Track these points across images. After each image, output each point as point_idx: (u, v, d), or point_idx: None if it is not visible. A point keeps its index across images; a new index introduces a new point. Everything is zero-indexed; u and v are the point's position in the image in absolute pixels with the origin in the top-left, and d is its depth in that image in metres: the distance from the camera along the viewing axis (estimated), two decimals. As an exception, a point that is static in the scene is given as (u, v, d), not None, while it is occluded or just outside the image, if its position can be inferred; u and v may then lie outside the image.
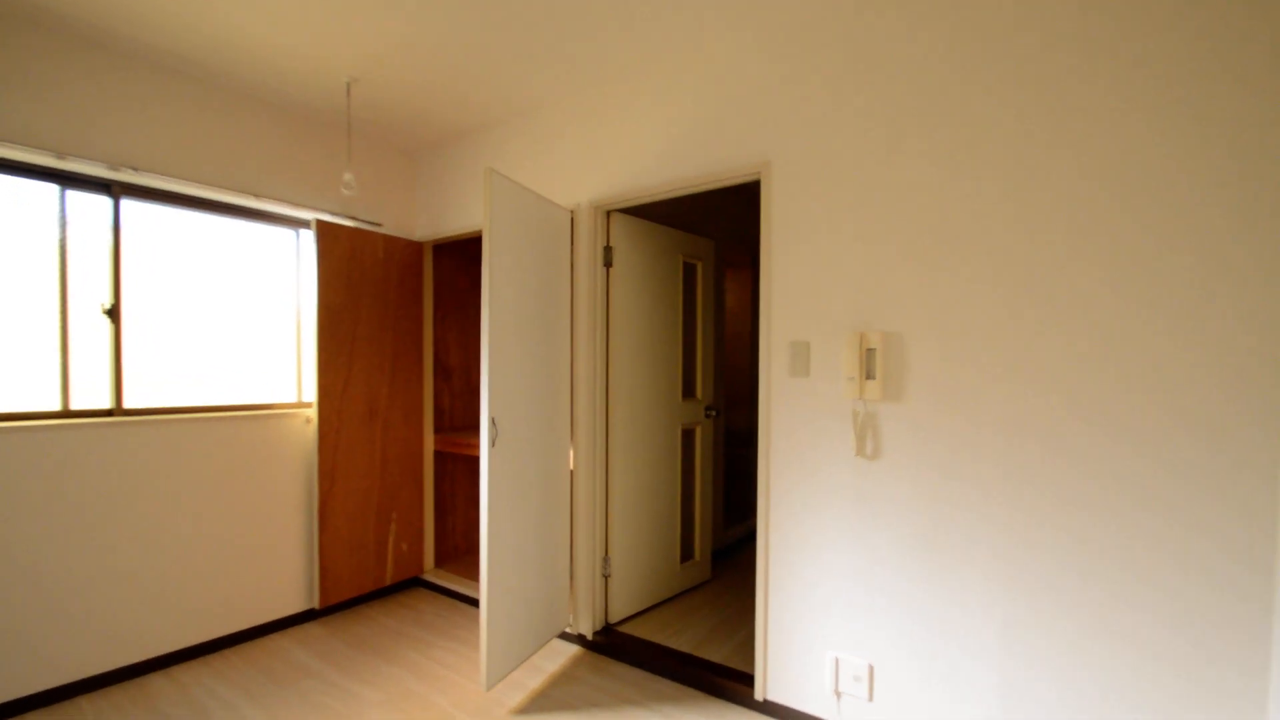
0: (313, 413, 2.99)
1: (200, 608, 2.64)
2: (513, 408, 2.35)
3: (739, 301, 5.93)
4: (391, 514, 3.32)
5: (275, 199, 2.90)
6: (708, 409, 3.33)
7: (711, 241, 3.39)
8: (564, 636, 2.81)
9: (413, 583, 3.48)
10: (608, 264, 2.76)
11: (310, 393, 3.12)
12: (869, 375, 1.99)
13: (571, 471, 2.82)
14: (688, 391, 3.27)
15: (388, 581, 3.31)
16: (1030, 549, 1.74)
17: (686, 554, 3.31)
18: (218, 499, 2.70)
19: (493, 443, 2.23)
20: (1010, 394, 1.77)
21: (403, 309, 3.34)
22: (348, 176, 2.63)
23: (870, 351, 1.99)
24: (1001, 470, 1.78)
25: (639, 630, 2.81)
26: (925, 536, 1.90)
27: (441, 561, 3.63)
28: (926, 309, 1.91)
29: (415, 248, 3.40)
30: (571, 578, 2.82)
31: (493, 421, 2.23)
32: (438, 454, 3.64)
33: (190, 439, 2.62)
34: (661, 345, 3.03)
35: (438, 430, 3.62)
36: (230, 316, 2.88)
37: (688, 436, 3.28)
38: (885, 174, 1.98)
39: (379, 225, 3.31)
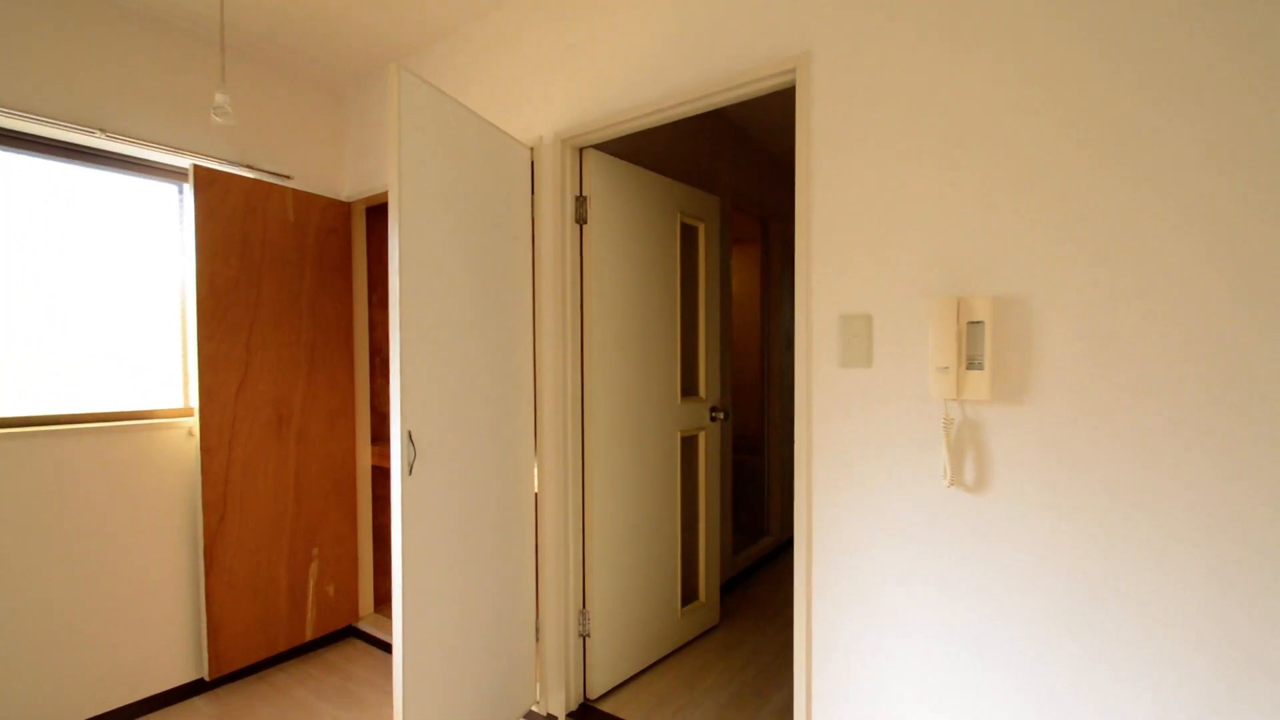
0: (196, 422, 2.27)
1: (36, 687, 1.92)
2: (442, 416, 1.65)
3: (746, 284, 5.25)
4: (311, 548, 2.61)
5: (137, 138, 2.17)
6: (714, 410, 2.64)
7: (717, 198, 2.69)
8: (529, 719, 2.11)
9: (344, 634, 2.77)
10: (581, 220, 2.05)
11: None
12: (971, 363, 1.29)
13: (536, 495, 2.12)
14: (689, 389, 2.58)
15: (309, 635, 2.60)
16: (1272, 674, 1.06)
17: (689, 595, 2.62)
18: (62, 541, 1.98)
19: (409, 467, 1.52)
20: (1223, 401, 1.08)
21: (325, 286, 2.62)
22: (220, 98, 1.91)
23: (973, 327, 1.29)
24: (1207, 521, 1.10)
25: (630, 709, 2.12)
26: (1062, 624, 1.22)
27: (382, 604, 2.92)
28: (1070, 257, 1.21)
29: (341, 209, 2.67)
30: (538, 638, 2.13)
31: (408, 438, 1.52)
32: (376, 470, 2.92)
33: (24, 461, 1.89)
34: (655, 329, 2.33)
35: (376, 440, 2.91)
36: (88, 299, 2.15)
37: (689, 446, 2.59)
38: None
39: (288, 178, 2.59)
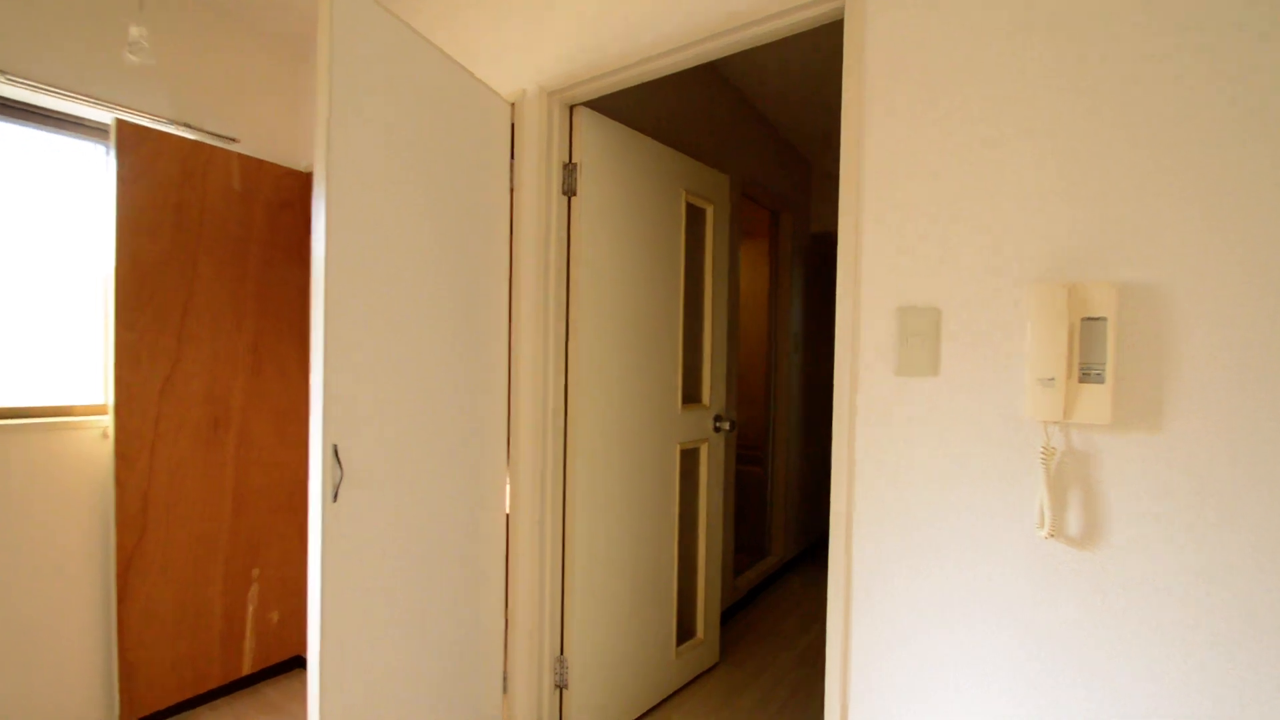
0: (110, 423, 1.92)
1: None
2: (383, 426, 1.31)
3: (752, 280, 4.92)
4: (252, 569, 2.26)
5: (47, 85, 1.82)
6: (718, 420, 2.30)
7: (727, 178, 2.35)
8: (492, 785, 1.77)
9: (290, 665, 2.42)
10: (569, 191, 1.72)
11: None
12: (1085, 374, 0.96)
13: (507, 518, 1.78)
14: (691, 395, 2.24)
15: (247, 669, 2.25)
16: None
17: (686, 631, 2.28)
18: (-83, 566, 1.63)
19: (332, 492, 1.18)
20: None
21: (274, 268, 2.27)
22: (135, 32, 1.57)
23: (1089, 325, 0.96)
24: None
25: (612, 774, 1.77)
26: (1221, 724, 0.89)
27: (337, 631, 2.57)
28: (1224, 237, 0.88)
29: (298, 180, 2.33)
30: (505, 690, 1.78)
31: (332, 454, 1.17)
32: (334, 478, 2.57)
33: None
34: (654, 325, 1.99)
35: (334, 445, 2.56)
36: (-30, 269, 1.80)
37: (689, 460, 2.25)
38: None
39: (234, 141, 2.24)
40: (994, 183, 1.05)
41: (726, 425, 2.29)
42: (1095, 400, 0.95)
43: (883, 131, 1.15)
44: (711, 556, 2.31)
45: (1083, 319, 0.96)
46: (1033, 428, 1.02)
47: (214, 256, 2.11)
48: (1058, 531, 1.00)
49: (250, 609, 2.26)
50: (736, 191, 2.77)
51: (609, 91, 1.62)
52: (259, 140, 2.32)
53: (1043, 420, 0.99)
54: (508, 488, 1.79)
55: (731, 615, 2.86)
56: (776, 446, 3.48)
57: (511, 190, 1.73)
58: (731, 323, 2.71)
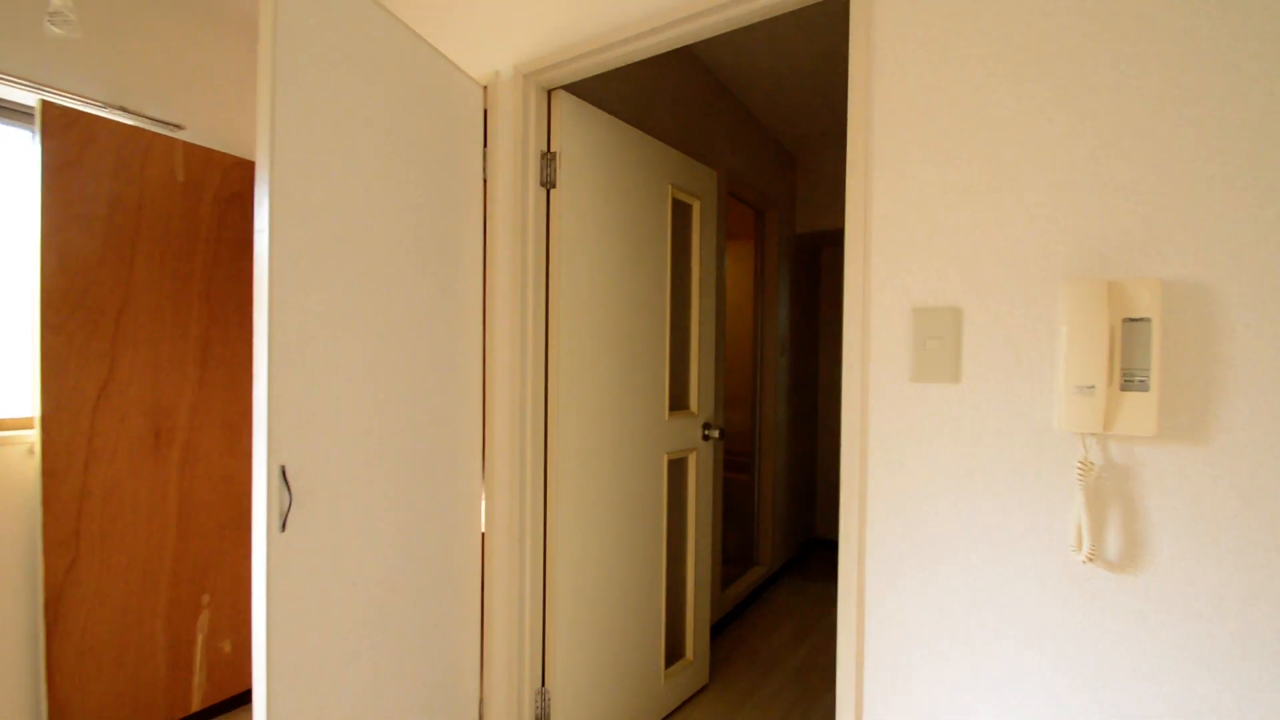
0: (37, 437, 1.72)
1: None
2: (340, 441, 1.16)
3: (737, 282, 4.83)
4: (201, 595, 2.07)
5: (-44, 59, 1.63)
6: (706, 428, 2.19)
7: (715, 173, 2.24)
8: (466, 830, 1.62)
9: (246, 698, 2.23)
10: (548, 183, 1.58)
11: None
12: (1127, 381, 0.87)
13: (483, 537, 1.64)
14: (678, 402, 2.12)
15: (196, 705, 2.06)
16: None
17: (674, 651, 2.15)
18: None
19: (280, 520, 1.03)
20: None
21: (223, 266, 2.09)
22: (58, 0, 1.39)
23: (1131, 327, 0.86)
24: None
25: (597, 813, 1.64)
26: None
27: (298, 658, 2.39)
28: (1294, 222, 0.80)
29: (249, 171, 2.15)
30: (482, 724, 1.64)
31: (280, 477, 1.03)
32: (294, 493, 2.39)
33: None
34: (640, 327, 1.87)
35: (294, 457, 2.38)
36: None
37: (677, 470, 2.13)
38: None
39: (177, 127, 2.05)
40: (1020, 167, 0.95)
41: (716, 433, 2.17)
42: (1138, 410, 0.85)
43: (893, 112, 1.05)
44: (701, 572, 2.19)
45: (1124, 320, 0.86)
46: (1067, 441, 0.92)
47: (155, 253, 1.92)
48: (1097, 554, 0.90)
49: (199, 639, 2.07)
50: (723, 188, 2.66)
51: (591, 74, 1.49)
52: (207, 128, 2.14)
53: (1080, 432, 0.89)
54: (483, 504, 1.65)
55: (720, 630, 2.74)
56: (763, 453, 3.38)
57: (485, 182, 1.59)
58: (719, 325, 2.60)
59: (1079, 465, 0.89)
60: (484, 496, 1.65)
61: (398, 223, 1.31)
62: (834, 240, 3.97)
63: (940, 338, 1.00)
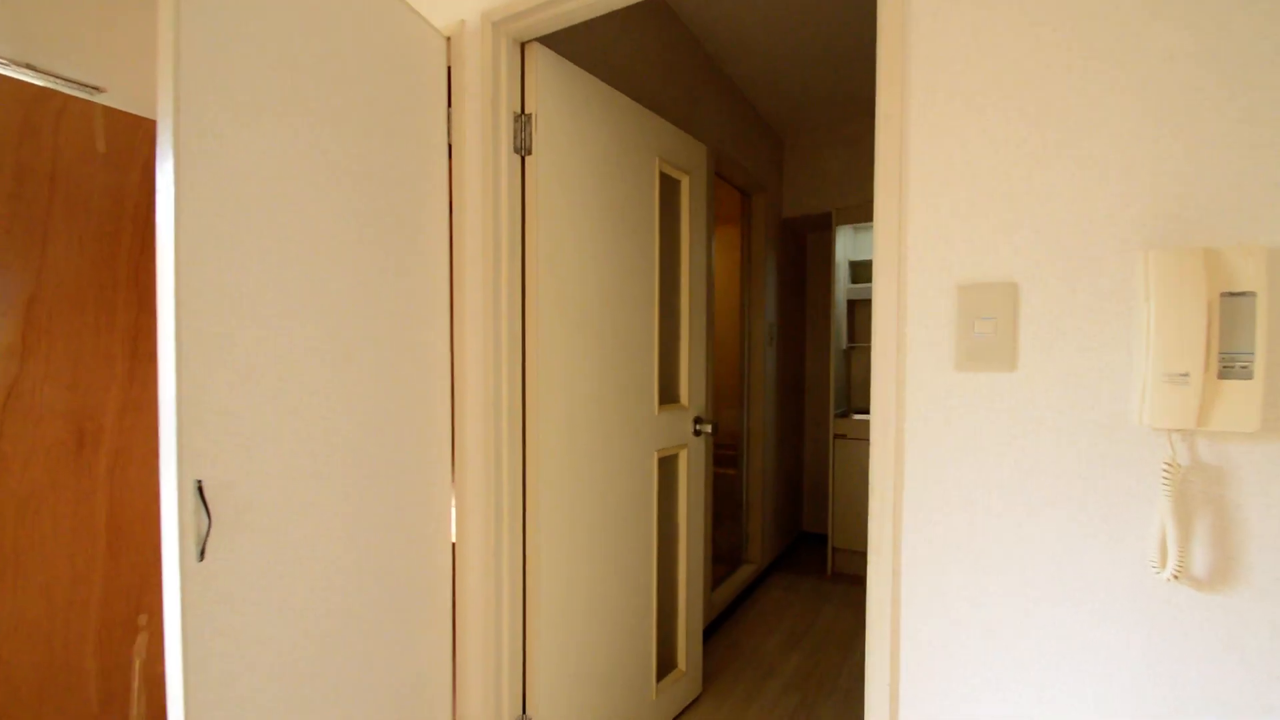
0: (-71, 445, 1.48)
1: None
2: (278, 445, 0.97)
3: (724, 271, 4.68)
4: (138, 616, 1.85)
5: None
6: (698, 422, 2.03)
7: (705, 146, 2.07)
8: None
9: (192, 727, 2.02)
10: (523, 150, 1.40)
11: (-56, 403, 1.59)
12: (1226, 369, 0.72)
13: (454, 547, 1.46)
14: (668, 395, 1.96)
15: (133, 738, 1.84)
16: None
17: (666, 662, 2.00)
18: None
19: (198, 549, 0.84)
20: None
21: (155, 247, 1.85)
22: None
23: (1232, 302, 0.72)
24: None
25: None
26: None
27: (253, 680, 2.18)
28: None
29: (186, 143, 1.91)
30: (456, 758, 1.47)
31: (196, 493, 0.83)
32: (245, 500, 2.17)
33: None
34: (627, 313, 1.70)
35: (244, 461, 2.15)
36: None
37: (667, 468, 1.97)
38: None
39: (97, 90, 1.81)
40: (1085, 115, 0.80)
41: (709, 428, 2.02)
42: (1239, 401, 0.71)
43: (933, 55, 0.89)
44: (693, 577, 2.04)
45: (1222, 295, 0.72)
46: (1148, 438, 0.78)
47: (73, 232, 1.68)
48: (1184, 570, 0.76)
49: (137, 664, 1.85)
50: (712, 165, 2.49)
51: (570, 22, 1.31)
52: (133, 91, 1.90)
53: (1168, 428, 0.75)
54: (453, 512, 1.47)
55: (711, 633, 2.60)
56: (752, 446, 3.25)
57: (450, 148, 1.40)
58: (709, 311, 2.44)
59: (1165, 467, 0.75)
60: (454, 503, 1.47)
61: (345, 192, 1.11)
62: (821, 225, 3.84)
63: (991, 318, 0.85)
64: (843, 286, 3.55)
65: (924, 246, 0.90)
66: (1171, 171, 0.76)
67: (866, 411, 3.42)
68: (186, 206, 0.83)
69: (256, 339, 0.94)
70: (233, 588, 0.89)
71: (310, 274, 1.04)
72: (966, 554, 0.88)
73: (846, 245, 3.63)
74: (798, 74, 2.78)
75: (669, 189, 1.94)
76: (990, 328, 0.85)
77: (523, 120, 1.39)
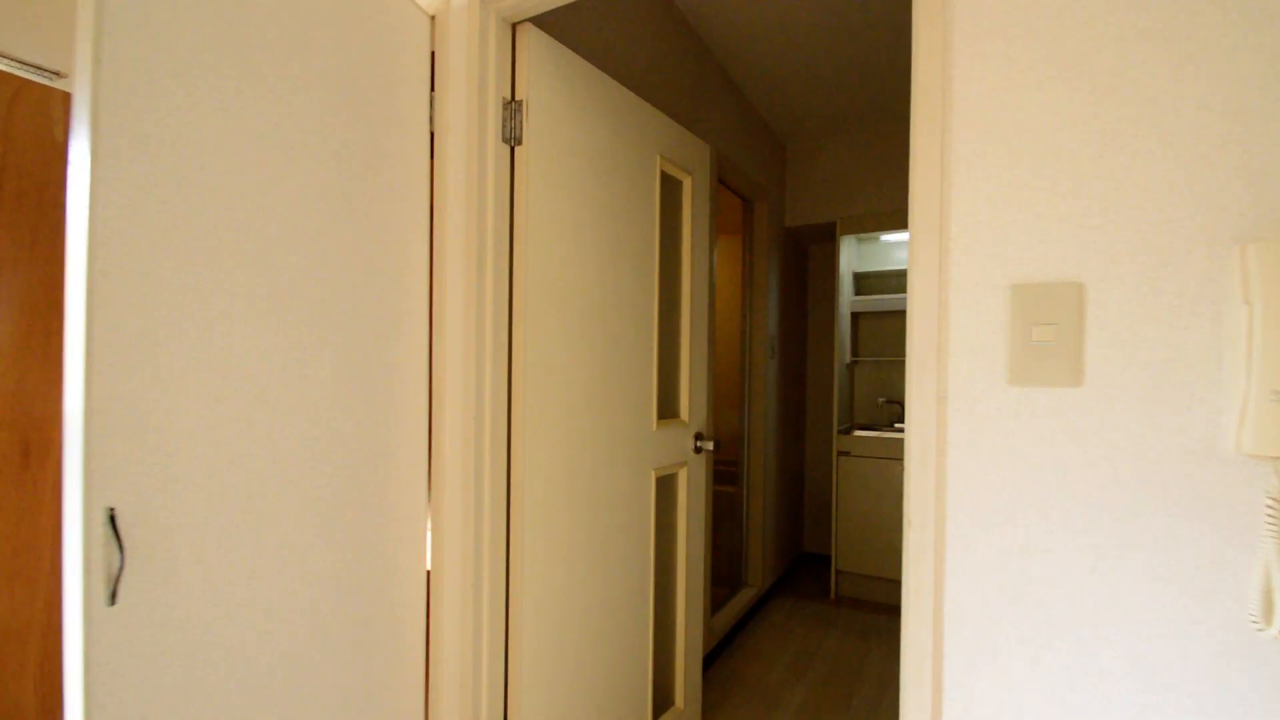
0: None
1: None
2: (216, 460, 0.83)
3: (725, 281, 4.57)
4: (85, 649, 1.69)
5: None
6: (698, 438, 1.90)
7: (709, 146, 1.96)
8: None
9: (144, 768, 1.85)
10: (513, 140, 1.28)
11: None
12: (1351, 383, 0.60)
13: (429, 576, 1.31)
14: (666, 409, 1.83)
15: (76, 782, 1.67)
16: None
17: (662, 698, 1.85)
18: None
19: (109, 590, 0.69)
20: None
21: (118, 247, 1.72)
22: None
23: (1357, 304, 0.60)
24: None
25: None
26: None
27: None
28: None
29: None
30: (428, 814, 1.31)
31: (109, 522, 0.69)
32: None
33: None
34: (624, 322, 1.57)
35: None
36: None
37: (667, 488, 1.83)
38: None
39: (56, 75, 1.69)
40: (1173, 79, 0.68)
41: (709, 445, 1.88)
42: (1369, 425, 0.59)
43: (981, 14, 0.77)
44: (692, 606, 1.89)
45: (1347, 293, 0.60)
46: (1248, 468, 0.65)
47: (24, 226, 1.55)
48: (1297, 633, 0.63)
49: (82, 701, 1.68)
50: (714, 167, 2.39)
51: (565, 0, 1.19)
52: (99, 78, 1.77)
53: (1273, 455, 0.62)
54: (429, 536, 1.33)
55: (710, 662, 2.45)
56: (752, 463, 3.11)
57: (432, 136, 1.27)
58: (711, 321, 2.32)
59: (1269, 504, 0.62)
60: (430, 527, 1.32)
61: (302, 176, 0.99)
62: (823, 236, 3.74)
63: (1053, 323, 0.73)
64: (846, 299, 3.44)
65: (970, 238, 0.77)
66: (1274, 152, 0.64)
67: (870, 428, 3.29)
68: (104, 178, 0.70)
69: (190, 340, 0.80)
70: (151, 636, 0.75)
71: (261, 267, 0.91)
72: (1023, 605, 0.74)
73: (850, 257, 3.53)
74: (803, 77, 2.69)
75: (670, 190, 1.82)
76: (1051, 334, 0.73)
77: (513, 107, 1.27)
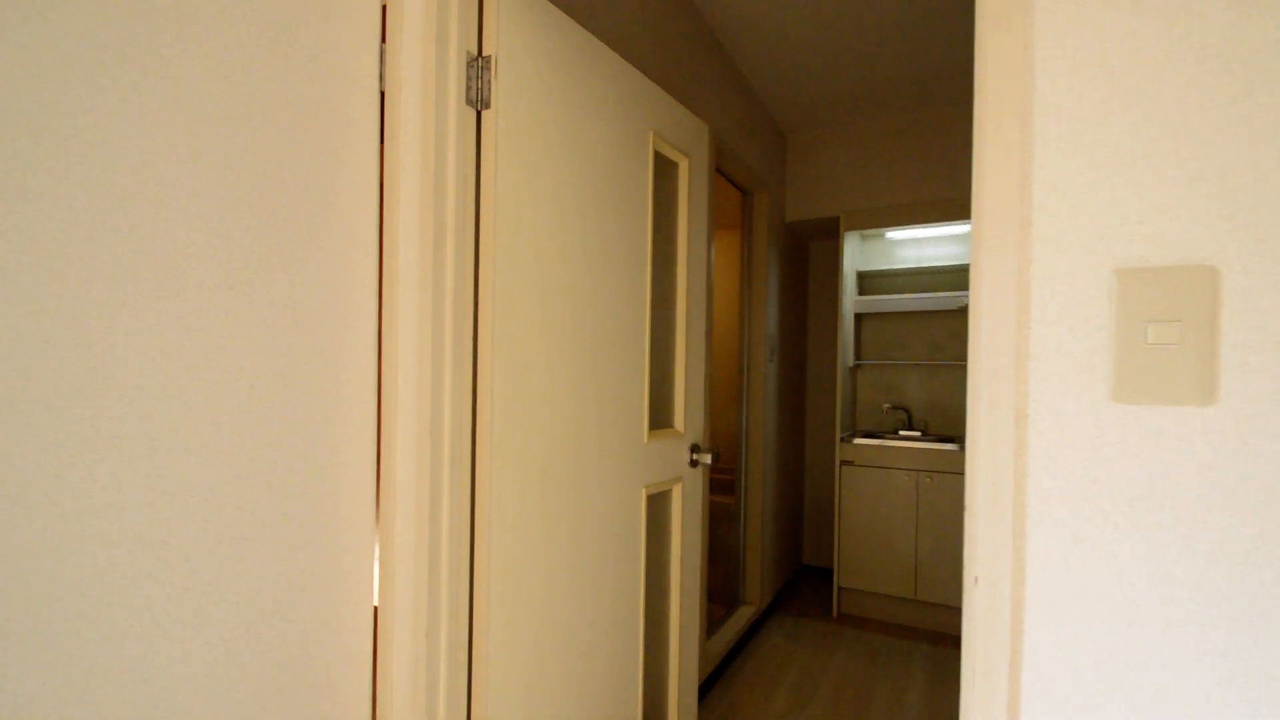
0: None
1: None
2: (73, 487, 0.63)
3: (721, 279, 4.40)
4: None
5: None
6: (694, 450, 1.71)
7: (706, 126, 1.77)
8: None
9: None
10: (479, 102, 1.08)
11: None
12: None
13: (376, 614, 1.11)
14: (659, 418, 1.64)
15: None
16: None
17: (651, 742, 1.65)
18: None
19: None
20: None
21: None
22: None
23: None
24: None
25: None
26: None
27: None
28: None
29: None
30: None
31: None
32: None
33: None
34: (611, 320, 1.38)
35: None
36: None
37: (659, 506, 1.64)
38: None
39: None
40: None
41: (707, 458, 1.69)
42: None
43: (1078, -79, 0.59)
44: (687, 640, 1.70)
45: None
46: None
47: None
48: None
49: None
50: (713, 151, 2.20)
51: (542, -66, 1.00)
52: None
53: None
54: (376, 566, 1.13)
55: (705, 691, 2.26)
56: (750, 473, 2.93)
57: (383, 96, 1.08)
58: (709, 320, 2.13)
59: None
60: (377, 554, 1.13)
61: (212, 139, 0.79)
62: (825, 232, 3.56)
63: (1174, 320, 0.54)
64: (850, 299, 3.26)
65: (1059, 205, 0.59)
66: None
67: (874, 435, 3.11)
68: None
69: (34, 328, 0.61)
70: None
71: (146, 240, 0.71)
72: (1133, 695, 0.56)
73: (854, 254, 3.36)
74: (809, 60, 2.51)
75: (665, 172, 1.63)
76: (1173, 334, 0.54)
77: (480, 64, 1.08)
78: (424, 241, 1.05)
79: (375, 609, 1.13)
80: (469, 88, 1.07)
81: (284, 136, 0.89)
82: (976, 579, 0.61)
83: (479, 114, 1.09)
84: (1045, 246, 0.59)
